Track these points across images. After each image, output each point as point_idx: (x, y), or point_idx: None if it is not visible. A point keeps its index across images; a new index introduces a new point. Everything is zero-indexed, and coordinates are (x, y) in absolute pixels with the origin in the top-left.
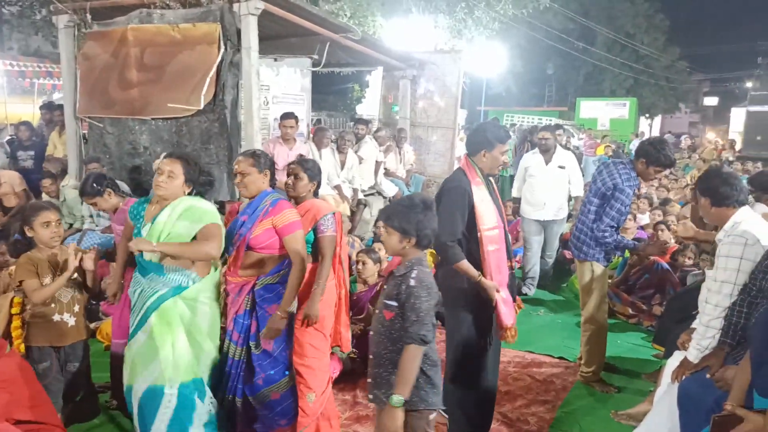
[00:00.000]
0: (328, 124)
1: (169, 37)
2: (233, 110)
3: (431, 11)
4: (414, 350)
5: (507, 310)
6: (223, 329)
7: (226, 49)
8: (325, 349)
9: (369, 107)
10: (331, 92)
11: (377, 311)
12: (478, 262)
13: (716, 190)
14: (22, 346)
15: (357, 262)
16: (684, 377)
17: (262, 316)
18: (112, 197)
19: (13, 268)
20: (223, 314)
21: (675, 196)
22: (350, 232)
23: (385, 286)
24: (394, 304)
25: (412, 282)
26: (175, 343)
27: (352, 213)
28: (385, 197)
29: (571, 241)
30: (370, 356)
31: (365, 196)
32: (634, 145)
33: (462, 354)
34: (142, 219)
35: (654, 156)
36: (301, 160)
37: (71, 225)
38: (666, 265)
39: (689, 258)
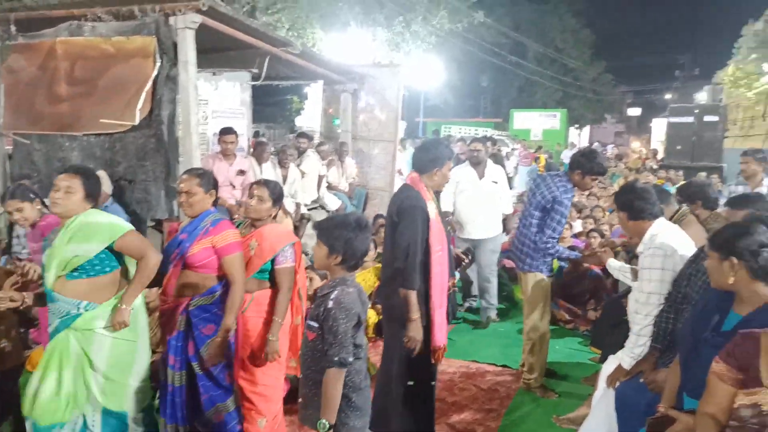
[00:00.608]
0: (267, 136)
1: (101, 50)
2: (170, 125)
3: (370, 24)
4: (334, 373)
5: (440, 332)
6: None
7: (162, 63)
8: (279, 375)
9: (309, 119)
10: (270, 104)
11: (304, 329)
12: (424, 284)
13: (631, 205)
14: None
15: (307, 278)
16: (619, 382)
17: (198, 336)
18: (36, 207)
19: None
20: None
21: (604, 204)
22: None
23: (312, 304)
24: (315, 325)
25: (330, 304)
26: (61, 380)
27: (295, 228)
28: (328, 211)
29: (513, 253)
30: (300, 376)
31: (308, 210)
32: (565, 155)
33: (397, 368)
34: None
35: (588, 166)
36: (267, 182)
37: None
38: (599, 272)
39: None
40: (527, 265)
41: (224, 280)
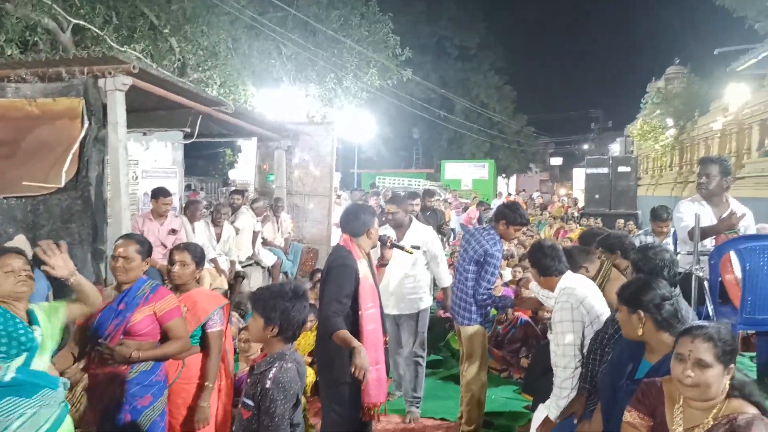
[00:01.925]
0: (198, 188)
1: (25, 111)
2: (98, 187)
3: (302, 80)
4: None
5: (377, 389)
6: None
7: (90, 124)
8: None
9: (242, 172)
10: (202, 156)
11: (239, 405)
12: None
13: (540, 263)
14: None
15: (239, 339)
16: None
17: (134, 409)
18: None
19: None
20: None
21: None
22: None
23: (248, 380)
24: (251, 403)
25: (268, 383)
26: None
27: (230, 286)
28: (263, 267)
29: (452, 309)
30: None
31: (243, 267)
32: (494, 203)
33: (331, 425)
34: (11, 319)
35: (511, 217)
36: (186, 245)
37: None
38: (527, 319)
39: (548, 311)
40: (466, 319)
41: (159, 344)
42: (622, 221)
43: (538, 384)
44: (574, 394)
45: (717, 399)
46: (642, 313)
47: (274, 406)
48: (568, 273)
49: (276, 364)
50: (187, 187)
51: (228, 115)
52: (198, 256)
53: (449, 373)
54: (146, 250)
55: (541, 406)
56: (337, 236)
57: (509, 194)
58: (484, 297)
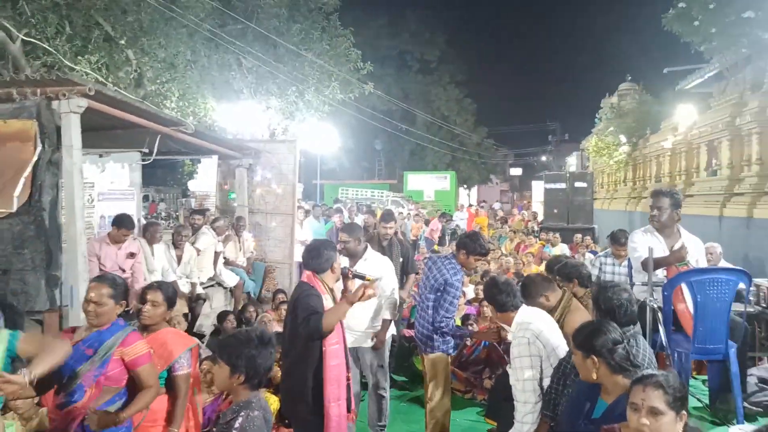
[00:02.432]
0: (157, 199)
1: None
2: (52, 211)
3: (263, 93)
4: None
5: (338, 425)
6: None
7: (44, 147)
8: None
9: (202, 183)
10: (160, 165)
11: None
12: (317, 377)
13: (495, 299)
14: None
15: (202, 371)
16: None
17: None
18: None
19: None
20: None
21: (494, 266)
22: (189, 329)
23: (215, 429)
24: None
25: None
26: None
27: (191, 309)
28: (225, 288)
29: (415, 335)
30: None
31: (205, 288)
32: (457, 216)
33: None
34: None
35: (472, 247)
36: (159, 285)
37: None
38: (490, 342)
39: (510, 333)
40: (431, 347)
41: (125, 389)
42: (579, 235)
43: (501, 410)
44: (535, 427)
45: None
46: (595, 358)
47: None
48: (523, 307)
49: (242, 413)
50: (145, 198)
51: (188, 134)
52: (170, 295)
53: (414, 395)
54: (120, 293)
55: None
56: (299, 254)
57: (472, 205)
58: (442, 325)
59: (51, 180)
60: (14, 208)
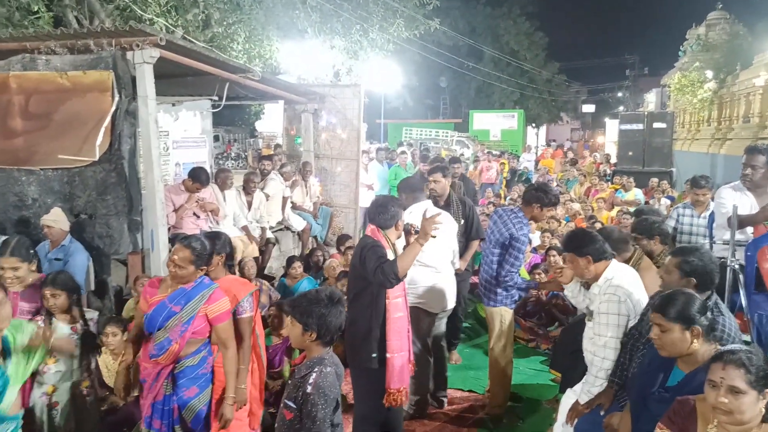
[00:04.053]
0: (226, 139)
1: (57, 84)
2: (131, 160)
3: (327, 32)
4: None
5: (400, 375)
6: None
7: (120, 97)
8: (245, 417)
9: (269, 124)
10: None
11: (281, 404)
12: (381, 329)
13: (589, 248)
14: None
15: (270, 315)
16: (577, 419)
17: (180, 399)
18: (32, 268)
19: None
20: None
21: (560, 211)
22: (260, 272)
23: (289, 381)
24: (293, 405)
25: (309, 389)
26: None
27: (261, 253)
28: (293, 232)
29: (479, 290)
30: None
31: (274, 232)
32: (524, 158)
33: (363, 412)
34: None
35: (545, 200)
36: (190, 242)
37: None
38: (559, 292)
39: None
40: (493, 300)
41: (208, 339)
42: (656, 180)
43: (567, 362)
44: (603, 388)
45: (752, 423)
46: (698, 328)
47: (315, 410)
48: (614, 262)
49: (316, 369)
50: (216, 138)
51: (255, 81)
52: (201, 253)
53: (476, 342)
54: (202, 259)
55: (569, 392)
56: (364, 199)
57: (549, 145)
58: (507, 280)
59: (129, 129)
60: (97, 157)
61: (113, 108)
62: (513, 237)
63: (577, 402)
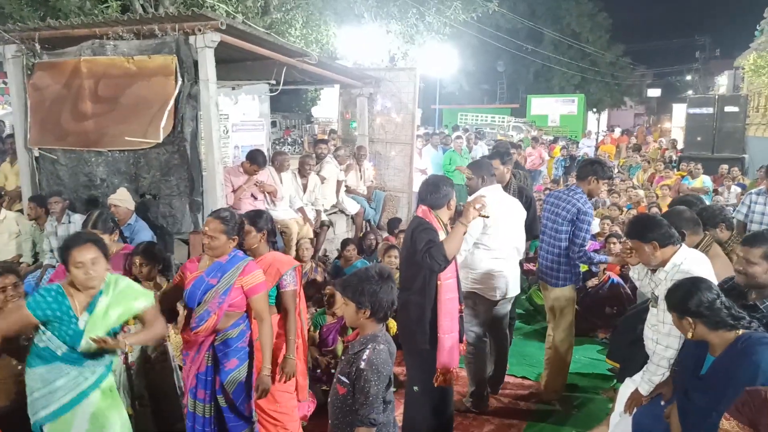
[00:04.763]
0: (283, 125)
1: (124, 68)
2: (193, 142)
3: (383, 17)
4: None
5: (450, 355)
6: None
7: (183, 81)
8: (292, 389)
9: (325, 109)
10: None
11: (334, 380)
12: (433, 310)
13: (656, 233)
14: None
15: (326, 294)
16: (636, 409)
17: (222, 370)
18: (114, 239)
19: None
20: None
21: (623, 199)
22: (314, 254)
23: (342, 357)
24: (346, 381)
25: (362, 365)
26: None
27: (316, 235)
28: (347, 215)
29: (540, 270)
30: (330, 421)
31: (328, 215)
32: (583, 143)
33: (412, 386)
34: (66, 309)
35: (600, 172)
36: (247, 214)
37: (36, 260)
38: (619, 280)
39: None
40: (561, 280)
41: (246, 313)
42: (726, 166)
43: (626, 353)
44: (667, 374)
45: None
46: (690, 319)
47: (368, 386)
48: (684, 247)
49: (369, 346)
50: (273, 124)
51: (311, 65)
52: (256, 222)
53: (531, 328)
54: (232, 228)
55: (628, 381)
56: (417, 183)
57: (613, 130)
58: (580, 254)
59: (191, 112)
60: (161, 139)
61: (176, 92)
62: (581, 211)
63: (636, 391)
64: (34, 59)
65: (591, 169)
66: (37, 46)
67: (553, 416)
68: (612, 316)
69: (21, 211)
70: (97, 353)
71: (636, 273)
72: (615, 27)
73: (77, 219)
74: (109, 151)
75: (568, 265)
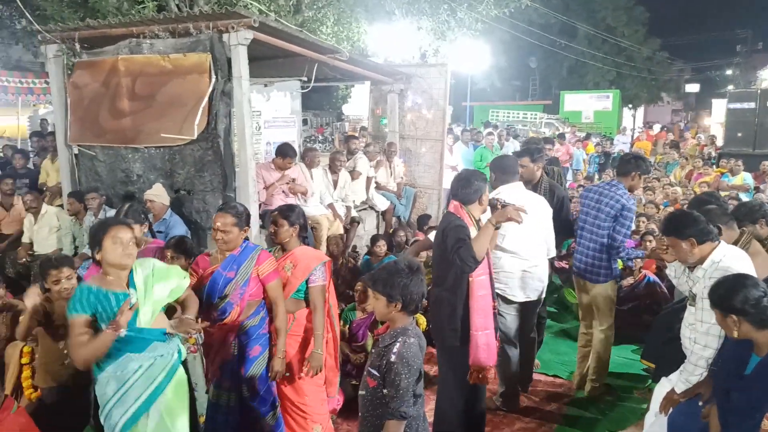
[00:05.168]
0: (314, 124)
1: (160, 67)
2: (226, 138)
3: (414, 14)
4: (394, 426)
5: (486, 353)
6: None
7: (217, 78)
8: (321, 384)
9: (355, 107)
10: (316, 90)
11: (364, 372)
12: (465, 307)
13: (693, 229)
14: (34, 395)
15: (356, 290)
16: (672, 409)
17: (246, 358)
18: (144, 231)
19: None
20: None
21: (660, 196)
22: (344, 251)
23: (373, 350)
24: (377, 374)
25: (393, 357)
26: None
27: (346, 231)
28: (377, 211)
29: (577, 267)
30: (360, 413)
31: (358, 211)
32: (618, 140)
33: (445, 387)
34: (105, 293)
35: (644, 167)
36: (280, 209)
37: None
38: (655, 278)
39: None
40: (602, 276)
41: (264, 301)
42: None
43: (661, 352)
44: (705, 374)
45: None
46: (735, 317)
47: (398, 380)
48: (723, 244)
49: (399, 339)
50: (304, 122)
51: (342, 61)
52: (289, 216)
53: (561, 327)
54: (243, 220)
55: (664, 380)
56: (448, 180)
57: (651, 126)
58: (620, 249)
59: (224, 109)
60: (195, 135)
61: (210, 89)
62: (624, 207)
63: (672, 391)
64: (74, 58)
65: (635, 164)
66: (77, 46)
67: (585, 416)
68: (647, 315)
69: (61, 206)
70: (156, 331)
71: (673, 271)
72: (652, 20)
73: (112, 214)
74: (145, 147)
75: (608, 261)
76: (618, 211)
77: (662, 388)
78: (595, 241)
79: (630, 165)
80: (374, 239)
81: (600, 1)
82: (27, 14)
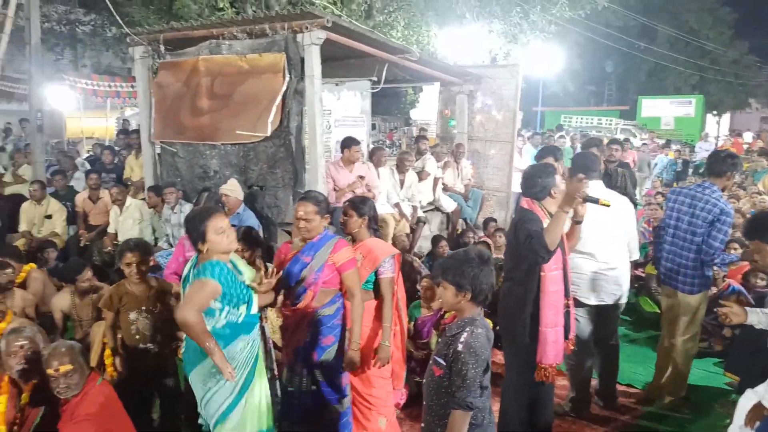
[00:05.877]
0: (382, 128)
1: (237, 66)
2: (298, 136)
3: (485, 17)
4: (460, 415)
5: (554, 350)
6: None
7: (290, 77)
8: (388, 376)
9: (423, 112)
10: (385, 95)
11: (430, 361)
12: (535, 302)
13: None
14: (114, 373)
15: (422, 286)
16: (759, 423)
17: (319, 346)
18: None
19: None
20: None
21: (746, 205)
22: (410, 250)
23: (439, 339)
24: (443, 363)
25: (460, 347)
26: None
27: (412, 230)
28: (443, 212)
29: (665, 275)
30: (424, 402)
31: (424, 212)
32: (700, 147)
33: (512, 384)
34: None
35: (738, 165)
36: (351, 200)
37: (155, 244)
38: (740, 288)
39: (762, 279)
40: (696, 286)
41: (340, 290)
42: None
43: (748, 363)
44: None
45: None
46: None
47: (465, 369)
48: None
49: (467, 329)
50: (373, 126)
51: (412, 62)
52: (359, 207)
53: (636, 336)
54: (324, 208)
55: (749, 392)
56: (517, 183)
57: (740, 135)
58: (715, 256)
59: (297, 107)
60: (269, 133)
61: (284, 87)
62: (723, 212)
63: (760, 404)
64: (159, 59)
65: (731, 163)
66: (162, 47)
67: (659, 430)
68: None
69: (144, 199)
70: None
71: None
72: (739, 22)
73: (187, 209)
74: (221, 144)
75: (703, 269)
76: (716, 216)
77: (747, 400)
78: (689, 248)
79: (726, 164)
80: (436, 240)
81: (682, 2)
82: (118, 19)
